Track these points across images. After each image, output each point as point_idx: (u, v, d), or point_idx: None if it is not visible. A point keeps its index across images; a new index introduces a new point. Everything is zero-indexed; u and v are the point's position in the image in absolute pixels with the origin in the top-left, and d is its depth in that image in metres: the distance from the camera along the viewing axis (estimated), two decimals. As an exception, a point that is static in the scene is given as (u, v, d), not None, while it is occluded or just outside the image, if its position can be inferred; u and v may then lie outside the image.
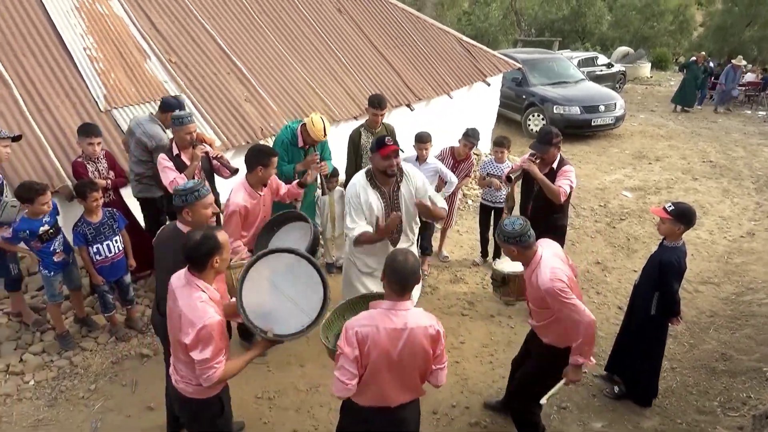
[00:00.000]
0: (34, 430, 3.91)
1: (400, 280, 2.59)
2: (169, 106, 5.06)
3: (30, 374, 4.36)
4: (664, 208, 3.85)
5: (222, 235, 2.76)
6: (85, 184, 4.41)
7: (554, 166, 4.74)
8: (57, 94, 5.96)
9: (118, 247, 4.58)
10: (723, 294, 5.98)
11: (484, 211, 6.23)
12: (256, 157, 4.02)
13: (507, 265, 3.81)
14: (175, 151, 4.68)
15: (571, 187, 4.72)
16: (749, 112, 14.85)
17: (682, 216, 3.78)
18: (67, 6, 6.67)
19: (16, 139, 4.51)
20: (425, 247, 6.00)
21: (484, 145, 10.19)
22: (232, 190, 4.12)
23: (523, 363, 3.80)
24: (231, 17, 7.86)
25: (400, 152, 3.70)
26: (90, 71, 6.25)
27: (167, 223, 3.53)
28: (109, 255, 4.53)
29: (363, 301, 3.14)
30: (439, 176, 5.59)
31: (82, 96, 6.06)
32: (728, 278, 6.31)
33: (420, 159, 5.56)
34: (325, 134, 4.86)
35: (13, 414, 4.01)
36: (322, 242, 5.82)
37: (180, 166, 4.62)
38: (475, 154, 9.31)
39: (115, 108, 6.12)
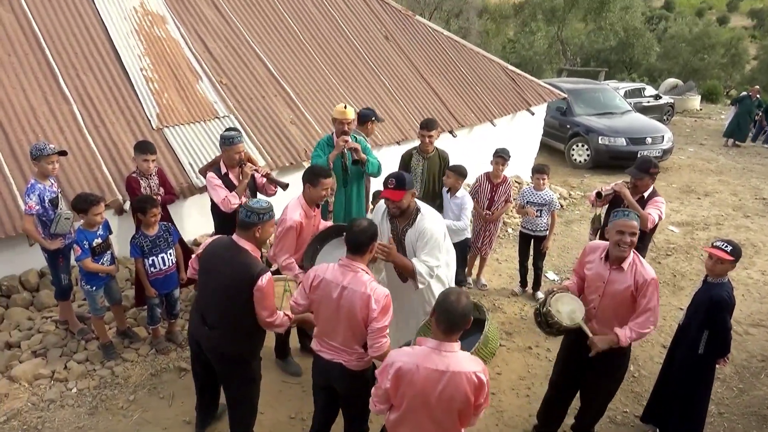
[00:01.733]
0: (74, 437, 4.01)
1: (447, 320, 2.54)
2: (366, 117, 5.65)
3: (73, 381, 4.48)
4: (723, 249, 3.68)
5: (376, 226, 3.25)
6: (146, 200, 4.57)
7: (645, 195, 4.79)
8: (113, 111, 6.22)
9: (171, 260, 4.71)
10: (776, 337, 5.71)
11: (524, 240, 6.14)
12: (306, 176, 4.17)
13: (564, 309, 3.59)
14: (223, 170, 4.84)
15: (660, 218, 4.71)
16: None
17: (738, 255, 3.70)
18: (127, 29, 7.00)
19: (62, 153, 4.68)
20: (459, 281, 5.90)
21: (527, 174, 10.11)
22: (288, 206, 4.20)
23: (572, 386, 3.87)
24: (281, 42, 8.09)
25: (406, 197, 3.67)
26: (145, 90, 6.52)
27: (217, 236, 3.62)
28: (164, 268, 4.65)
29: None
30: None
31: (136, 114, 6.31)
32: (782, 321, 6.02)
33: (452, 191, 5.54)
34: (345, 112, 5.03)
35: (55, 420, 4.11)
36: None
37: (228, 185, 4.78)
38: (516, 182, 9.24)
39: (166, 126, 6.35)
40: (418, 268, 3.65)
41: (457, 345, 2.58)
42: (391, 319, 3.07)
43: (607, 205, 5.07)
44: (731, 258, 3.65)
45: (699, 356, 3.82)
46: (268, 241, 3.85)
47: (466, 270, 6.43)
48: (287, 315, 3.41)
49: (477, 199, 6.00)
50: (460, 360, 2.55)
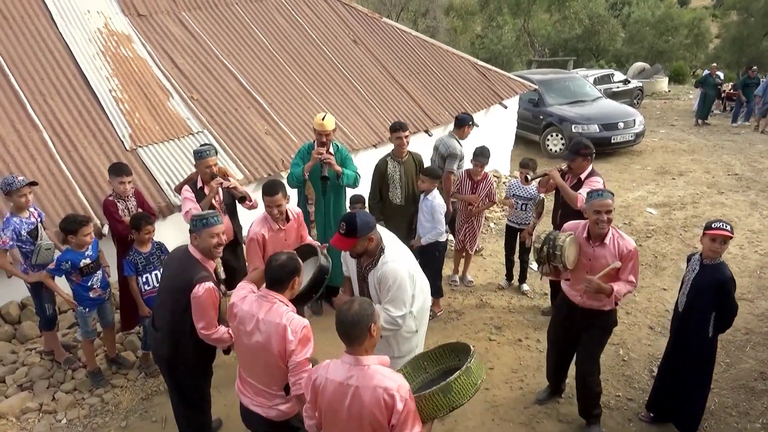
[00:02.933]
0: (68, 469, 3.94)
1: (339, 330, 2.44)
2: (463, 122, 6.29)
3: (62, 412, 4.41)
4: (724, 229, 3.69)
5: (300, 262, 2.99)
6: (141, 217, 4.58)
7: (582, 177, 4.89)
8: (84, 136, 6.14)
9: None
10: (758, 310, 5.82)
11: (510, 233, 6.19)
12: (263, 188, 4.21)
13: (571, 253, 3.82)
14: (200, 184, 4.86)
15: None
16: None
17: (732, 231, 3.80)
18: (93, 51, 6.91)
19: (33, 184, 4.62)
20: (435, 289, 5.52)
21: (505, 167, 10.20)
22: (254, 220, 4.30)
23: (566, 350, 4.22)
24: (250, 54, 8.05)
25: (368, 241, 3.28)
26: (116, 112, 6.44)
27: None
28: (157, 285, 4.61)
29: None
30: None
31: (108, 136, 6.23)
32: (762, 294, 6.15)
33: (424, 192, 5.41)
34: (324, 123, 5.01)
35: (47, 453, 4.04)
36: None
37: (201, 199, 4.79)
38: (495, 176, 9.31)
39: (140, 146, 6.27)
40: (387, 325, 3.24)
41: (374, 358, 2.44)
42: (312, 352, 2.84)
43: (553, 191, 5.24)
44: (732, 235, 3.72)
45: (709, 338, 3.86)
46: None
47: (453, 268, 6.46)
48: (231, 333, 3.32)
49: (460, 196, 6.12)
50: (371, 374, 2.38)
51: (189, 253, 3.37)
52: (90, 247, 4.46)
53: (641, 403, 4.45)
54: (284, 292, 2.92)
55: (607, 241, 3.75)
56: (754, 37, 27.70)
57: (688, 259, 4.00)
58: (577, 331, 4.02)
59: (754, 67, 15.43)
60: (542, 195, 5.74)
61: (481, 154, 5.93)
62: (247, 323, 2.88)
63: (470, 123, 6.33)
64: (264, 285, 2.99)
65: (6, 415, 4.32)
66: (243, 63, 7.87)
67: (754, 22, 27.73)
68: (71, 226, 4.32)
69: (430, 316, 5.60)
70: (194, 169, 5.84)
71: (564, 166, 5.05)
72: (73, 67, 6.66)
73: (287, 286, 2.92)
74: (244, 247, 4.68)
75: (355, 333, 2.41)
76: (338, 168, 5.12)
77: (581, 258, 3.84)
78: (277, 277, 2.89)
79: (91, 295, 4.47)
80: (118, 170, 4.84)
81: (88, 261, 4.42)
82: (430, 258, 5.49)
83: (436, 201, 5.32)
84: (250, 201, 4.98)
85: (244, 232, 4.71)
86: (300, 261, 2.99)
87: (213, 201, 4.86)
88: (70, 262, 4.34)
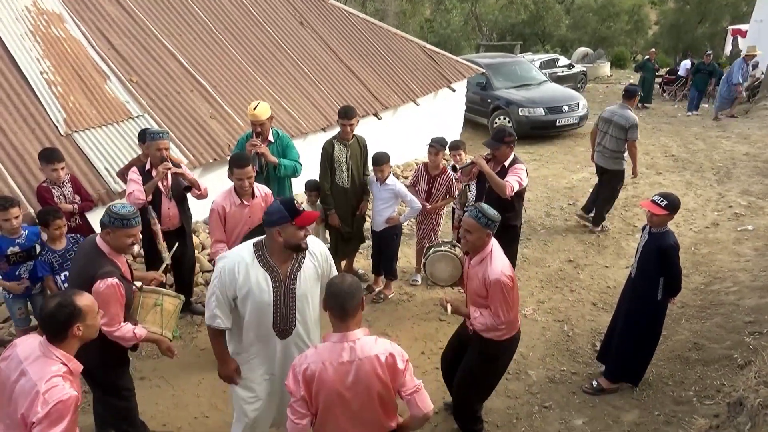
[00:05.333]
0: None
1: (336, 303, 2.42)
2: (634, 92, 7.05)
3: None
4: (656, 203, 3.94)
5: (84, 300, 2.42)
6: (48, 212, 4.28)
7: (506, 164, 4.89)
8: (14, 120, 5.81)
9: None
10: (692, 284, 6.11)
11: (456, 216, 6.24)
12: (231, 161, 4.21)
13: (443, 272, 3.89)
14: (147, 167, 4.72)
15: (521, 185, 4.80)
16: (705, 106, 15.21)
17: (674, 207, 3.95)
18: (21, 30, 6.52)
19: None
20: (390, 271, 5.72)
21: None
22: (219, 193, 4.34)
23: (454, 357, 3.81)
24: (192, 35, 7.79)
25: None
26: (48, 95, 6.11)
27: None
28: None
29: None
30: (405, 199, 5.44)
31: (41, 120, 5.92)
32: (696, 269, 6.46)
33: (380, 180, 5.38)
34: (256, 113, 4.91)
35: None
36: None
37: (147, 182, 4.64)
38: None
39: (76, 131, 5.99)
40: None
41: (360, 331, 2.46)
42: None
43: (474, 180, 5.23)
44: (665, 212, 3.91)
45: (657, 302, 4.11)
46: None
47: (416, 267, 6.19)
48: (141, 332, 3.23)
49: (416, 191, 5.77)
50: (365, 345, 2.44)
51: (96, 247, 3.20)
52: (25, 235, 4.24)
53: (585, 377, 4.62)
54: (64, 343, 2.37)
55: (477, 261, 3.35)
56: (690, 24, 28.85)
57: (643, 229, 4.24)
58: (466, 344, 3.68)
59: (709, 52, 14.91)
60: (464, 184, 5.49)
61: (437, 141, 5.66)
62: (12, 371, 2.34)
63: (639, 93, 6.93)
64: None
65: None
66: (184, 44, 7.61)
67: (689, 10, 28.87)
68: None
69: (381, 298, 5.71)
70: (135, 155, 5.66)
71: (487, 153, 4.98)
72: (0, 48, 6.27)
73: (66, 335, 2.36)
74: (193, 236, 4.60)
75: (352, 305, 2.44)
76: (273, 159, 4.97)
77: (465, 272, 3.59)
78: (50, 326, 2.37)
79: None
80: (49, 157, 4.61)
81: (17, 249, 4.20)
82: (388, 241, 5.55)
83: (398, 185, 5.39)
84: (199, 190, 4.85)
85: (198, 217, 4.59)
86: (77, 306, 2.39)
87: (159, 185, 4.71)
88: None
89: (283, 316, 2.96)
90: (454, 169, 5.29)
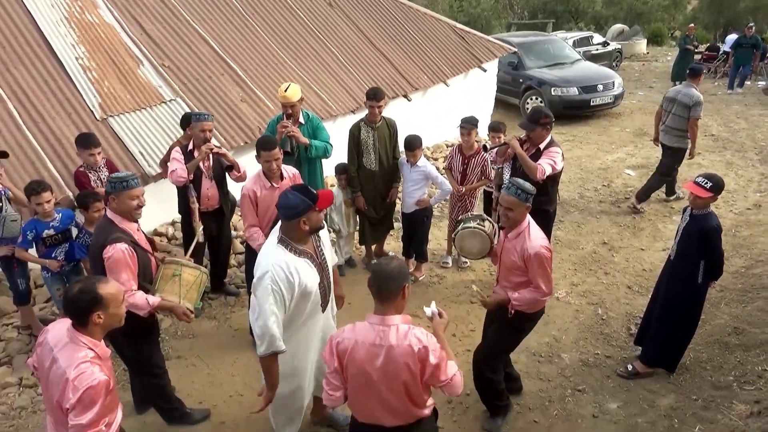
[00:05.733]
0: (51, 443, 3.92)
1: (375, 284, 2.45)
2: (699, 71, 6.97)
3: (43, 387, 4.36)
4: (699, 185, 3.83)
5: (108, 288, 2.40)
6: (87, 195, 4.39)
7: (541, 147, 4.72)
8: (52, 106, 5.94)
9: None
10: (732, 268, 5.93)
11: (488, 198, 6.17)
12: (258, 144, 4.18)
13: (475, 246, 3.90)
14: (190, 147, 4.80)
15: (554, 169, 4.63)
16: (749, 83, 14.62)
17: (719, 189, 3.84)
18: (57, 17, 6.64)
19: (3, 155, 4.50)
20: (420, 253, 5.72)
21: (485, 131, 10.15)
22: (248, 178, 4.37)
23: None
24: (222, 19, 7.81)
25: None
26: (83, 80, 6.23)
27: None
28: None
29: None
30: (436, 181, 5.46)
31: (77, 105, 6.04)
32: (737, 251, 6.27)
33: (411, 163, 5.37)
34: (287, 95, 4.91)
35: (29, 426, 4.01)
36: (333, 238, 5.74)
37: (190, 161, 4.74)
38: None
39: (111, 116, 6.10)
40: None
41: (398, 317, 2.47)
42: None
43: (510, 161, 5.05)
44: (709, 193, 3.79)
45: (697, 285, 4.01)
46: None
47: (447, 249, 6.19)
48: (154, 300, 3.27)
49: (451, 173, 5.73)
50: (403, 333, 2.43)
51: (107, 218, 3.30)
52: (59, 218, 4.36)
53: (619, 360, 4.54)
54: (88, 328, 2.39)
55: (514, 235, 3.42)
56: (732, -2, 27.70)
57: (684, 210, 4.12)
58: (492, 318, 3.84)
59: (751, 24, 14.09)
60: (497, 167, 5.42)
61: (468, 120, 5.56)
62: (45, 357, 2.42)
63: (704, 71, 7.05)
64: None
65: (-16, 390, 4.26)
66: (215, 28, 7.64)
67: (732, -18, 27.70)
68: (27, 192, 4.26)
69: (411, 280, 5.68)
70: (168, 138, 5.75)
71: (523, 135, 4.86)
72: (36, 34, 6.40)
73: (88, 320, 2.37)
74: (231, 219, 4.64)
75: (390, 287, 2.43)
76: (305, 140, 4.98)
77: (498, 247, 3.67)
78: (73, 311, 2.39)
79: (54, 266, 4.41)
80: (85, 142, 4.71)
81: (51, 232, 4.33)
82: (419, 223, 5.54)
83: (429, 167, 5.39)
84: (239, 171, 4.90)
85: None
86: (99, 294, 2.37)
87: (201, 165, 4.77)
88: (34, 231, 4.27)
89: (325, 289, 3.17)
90: (484, 148, 5.24)
